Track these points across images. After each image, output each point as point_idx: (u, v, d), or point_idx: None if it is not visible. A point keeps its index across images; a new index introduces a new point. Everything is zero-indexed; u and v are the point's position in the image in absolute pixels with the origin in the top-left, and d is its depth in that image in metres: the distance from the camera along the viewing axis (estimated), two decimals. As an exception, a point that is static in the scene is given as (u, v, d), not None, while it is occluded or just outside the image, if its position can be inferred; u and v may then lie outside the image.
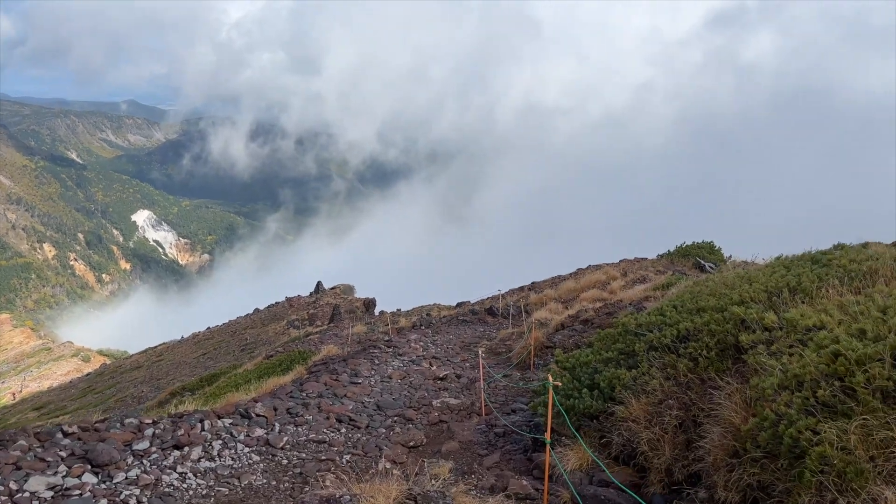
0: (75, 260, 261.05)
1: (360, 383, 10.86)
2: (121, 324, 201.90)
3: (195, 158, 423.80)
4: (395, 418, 8.94)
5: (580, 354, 7.11)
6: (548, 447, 5.36)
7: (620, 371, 6.18)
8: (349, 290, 67.45)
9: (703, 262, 25.69)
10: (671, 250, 29.01)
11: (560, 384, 6.00)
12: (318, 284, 70.75)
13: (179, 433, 6.72)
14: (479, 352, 9.60)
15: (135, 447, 6.21)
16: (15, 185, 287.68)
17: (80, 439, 6.08)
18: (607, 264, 29.13)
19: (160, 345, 72.97)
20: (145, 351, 71.81)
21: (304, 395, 9.90)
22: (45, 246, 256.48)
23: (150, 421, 6.90)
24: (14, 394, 68.26)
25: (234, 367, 26.95)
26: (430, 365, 12.97)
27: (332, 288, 69.33)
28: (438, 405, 9.50)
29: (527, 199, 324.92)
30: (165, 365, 52.89)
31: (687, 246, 28.58)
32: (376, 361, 13.22)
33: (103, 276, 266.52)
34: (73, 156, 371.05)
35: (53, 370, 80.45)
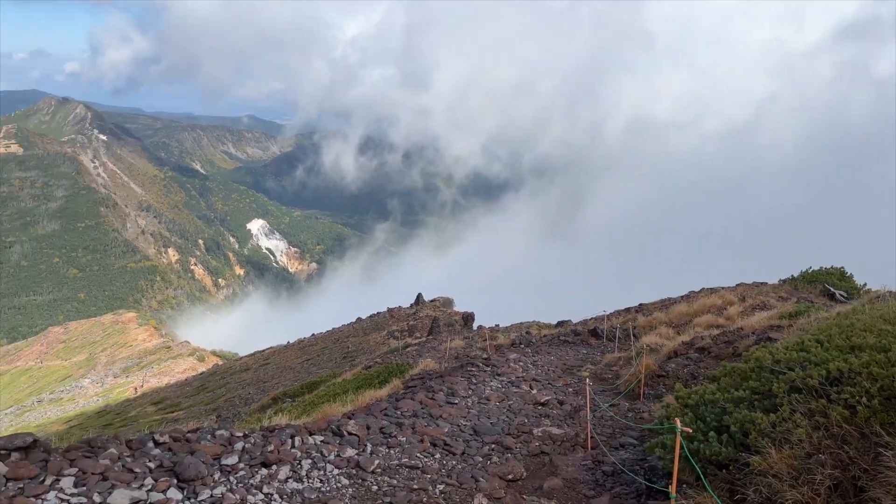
0: (195, 264, 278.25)
1: (456, 404, 10.36)
2: (233, 326, 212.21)
3: (307, 171, 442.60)
4: (493, 446, 8.36)
5: (704, 391, 6.27)
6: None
7: (756, 414, 5.33)
8: (448, 303, 67.51)
9: (832, 289, 23.45)
10: (795, 276, 26.76)
11: (691, 430, 5.22)
12: (419, 296, 71.28)
13: (269, 449, 6.45)
14: (586, 378, 8.84)
15: (223, 462, 5.98)
16: (146, 194, 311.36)
17: (170, 450, 5.92)
18: (723, 288, 27.25)
19: (267, 349, 75.79)
20: (254, 354, 74.77)
21: (399, 413, 9.51)
22: (170, 251, 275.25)
23: (241, 434, 6.68)
24: (136, 388, 72.80)
25: (334, 376, 27.28)
26: (531, 388, 12.30)
27: (432, 300, 69.63)
28: (539, 434, 8.83)
29: (634, 216, 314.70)
30: (272, 368, 54.76)
31: (814, 271, 26.25)
32: (473, 381, 12.69)
33: (219, 280, 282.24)
34: (198, 167, 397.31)
35: (172, 367, 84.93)
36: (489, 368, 14.29)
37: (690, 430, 5.22)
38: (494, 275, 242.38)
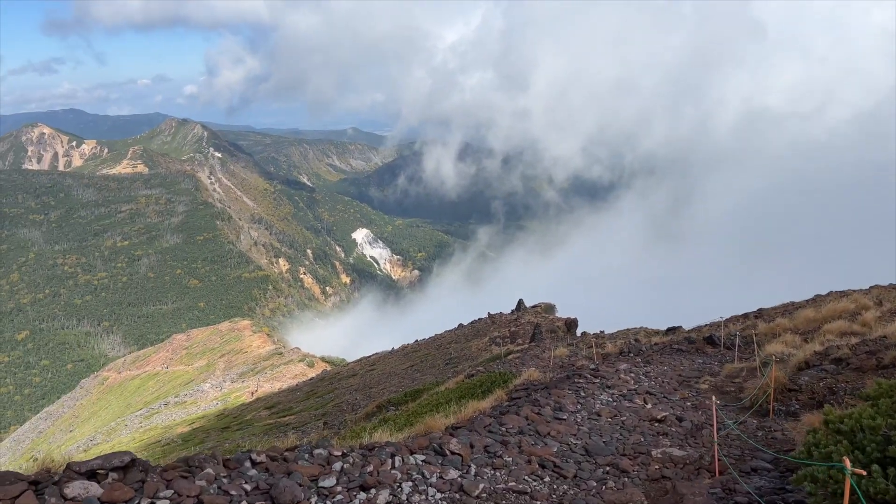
0: (304, 273, 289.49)
1: (564, 419, 9.72)
2: (341, 333, 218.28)
3: (408, 180, 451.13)
4: (607, 468, 7.67)
5: (861, 414, 5.36)
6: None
7: (933, 447, 4.43)
8: (550, 308, 66.19)
9: None
10: (941, 275, 24.03)
11: (865, 474, 4.39)
12: (520, 302, 70.37)
13: (368, 470, 6.12)
14: (708, 392, 7.97)
15: (321, 483, 5.70)
16: (257, 207, 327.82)
17: (267, 469, 5.70)
18: (854, 291, 24.90)
19: (373, 355, 77.25)
20: (360, 360, 76.47)
21: (504, 429, 8.99)
22: (281, 260, 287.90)
23: (340, 453, 6.39)
24: (252, 392, 76.22)
25: (437, 384, 27.08)
26: (645, 402, 11.43)
27: (534, 306, 68.58)
28: (659, 455, 8.05)
29: (749, 213, 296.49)
30: (377, 374, 55.66)
31: (965, 271, 23.51)
32: (582, 393, 11.96)
33: (327, 288, 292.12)
34: (305, 179, 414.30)
35: (284, 373, 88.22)
36: (598, 380, 13.50)
37: (864, 474, 4.38)
38: (599, 278, 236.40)
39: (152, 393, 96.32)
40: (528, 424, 9.26)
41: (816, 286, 27.29)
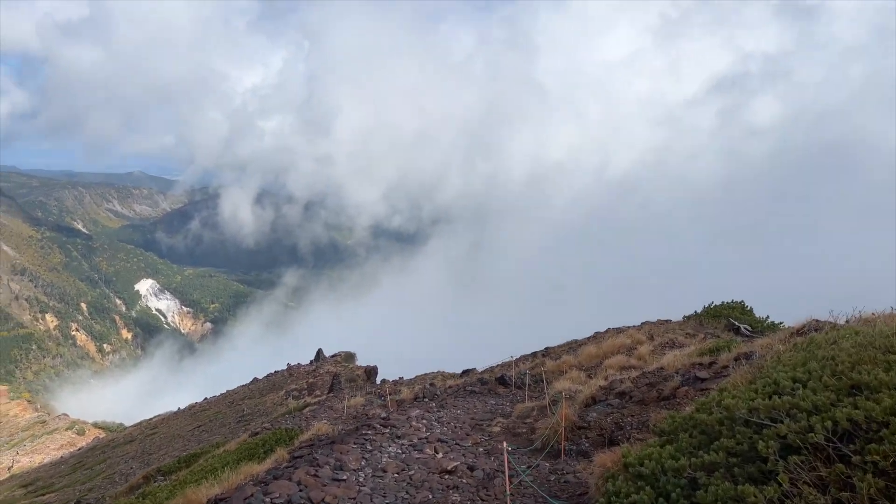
0: (77, 330, 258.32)
1: (344, 480, 8.35)
2: (120, 394, 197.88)
3: (201, 226, 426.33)
4: (387, 539, 6.45)
5: (661, 455, 4.69)
6: None
7: (744, 488, 3.78)
8: (350, 357, 64.80)
9: (736, 323, 23.21)
10: (698, 311, 26.53)
11: None
12: (319, 352, 68.13)
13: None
14: (504, 444, 7.10)
15: None
16: (20, 256, 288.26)
17: None
18: (629, 327, 26.59)
19: (155, 417, 70.27)
20: (139, 423, 69.03)
21: (269, 500, 7.41)
22: (48, 316, 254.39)
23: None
24: (9, 468, 65.81)
25: (216, 446, 24.23)
26: (436, 451, 10.44)
27: (334, 356, 66.84)
28: (447, 517, 6.99)
29: (536, 262, 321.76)
30: (159, 438, 50.30)
31: (716, 306, 26.11)
32: (368, 447, 10.69)
33: (104, 345, 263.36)
34: (80, 226, 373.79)
35: (47, 444, 78.05)
36: (388, 430, 12.34)
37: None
38: (402, 325, 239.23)
39: None
40: (300, 491, 7.77)
41: (596, 325, 28.88)
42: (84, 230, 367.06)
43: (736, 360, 11.17)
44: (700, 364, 12.37)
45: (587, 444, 9.95)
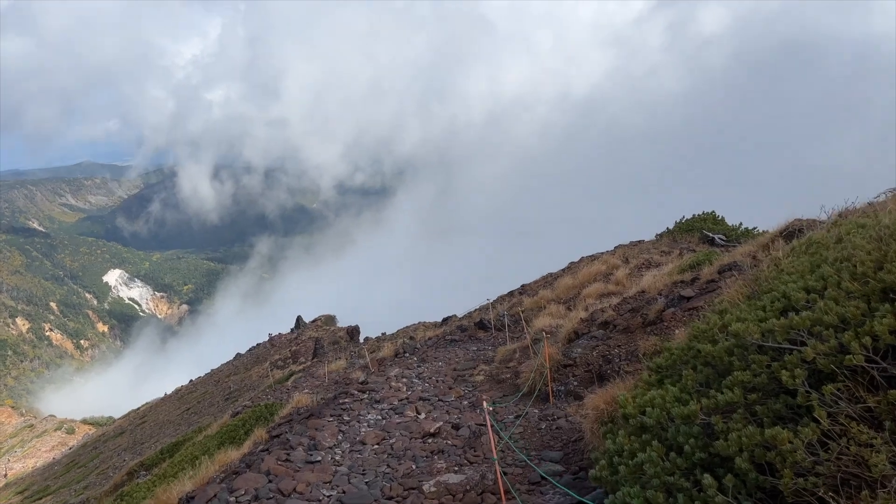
0: (51, 330, 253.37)
1: (318, 462, 7.61)
2: (105, 388, 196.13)
3: (161, 209, 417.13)
4: (367, 525, 5.73)
5: (664, 397, 3.95)
6: None
7: (774, 431, 3.05)
8: (331, 320, 64.28)
9: (710, 234, 22.79)
10: (670, 228, 26.05)
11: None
12: (298, 319, 67.49)
13: None
14: (483, 403, 6.37)
15: None
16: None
17: None
18: (602, 253, 26.07)
19: (143, 405, 69.68)
20: (128, 414, 68.42)
21: (234, 499, 6.65)
22: (18, 320, 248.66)
23: None
24: (4, 475, 65.13)
25: (199, 431, 23.50)
26: (417, 412, 9.74)
27: (314, 321, 66.32)
28: (433, 489, 6.28)
29: (505, 200, 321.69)
30: (149, 426, 49.86)
31: (688, 220, 25.60)
32: (346, 417, 9.96)
33: (81, 341, 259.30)
34: (35, 225, 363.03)
35: (38, 447, 77.57)
36: (366, 395, 11.62)
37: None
38: (379, 281, 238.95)
39: None
40: (270, 482, 7.00)
41: (569, 256, 28.33)
42: (41, 228, 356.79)
43: (720, 272, 10.56)
44: (682, 282, 11.76)
45: (575, 383, 9.32)
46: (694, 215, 25.78)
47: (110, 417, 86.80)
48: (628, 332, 10.29)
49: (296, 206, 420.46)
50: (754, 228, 22.25)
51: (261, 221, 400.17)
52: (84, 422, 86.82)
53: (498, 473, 5.82)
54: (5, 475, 67.35)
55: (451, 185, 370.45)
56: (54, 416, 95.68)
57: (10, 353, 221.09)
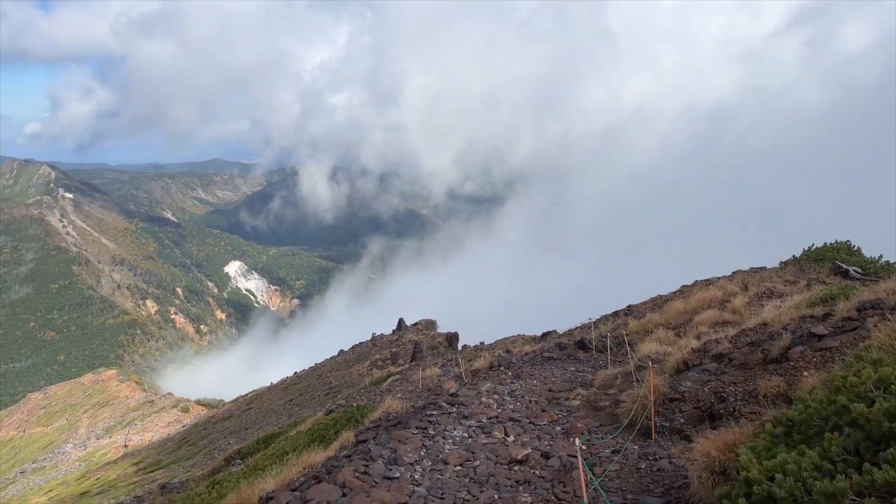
0: (175, 313, 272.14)
1: (397, 478, 7.23)
2: (219, 372, 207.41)
3: (281, 207, 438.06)
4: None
5: (802, 465, 3.21)
6: None
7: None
8: (431, 325, 64.54)
9: (844, 266, 20.66)
10: (797, 255, 23.89)
11: None
12: (400, 321, 68.27)
13: None
14: (576, 441, 5.73)
15: None
16: (118, 248, 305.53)
17: None
18: (719, 278, 24.29)
19: (250, 392, 72.60)
20: (236, 399, 71.51)
21: (306, 511, 6.38)
22: (148, 302, 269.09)
23: None
24: (125, 445, 69.70)
25: (294, 425, 23.99)
26: (506, 434, 9.18)
27: (415, 324, 66.82)
28: (513, 527, 5.72)
29: (618, 216, 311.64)
30: (254, 413, 51.82)
31: (818, 249, 23.34)
32: (431, 431, 9.56)
33: (201, 326, 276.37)
34: (169, 215, 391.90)
35: (155, 422, 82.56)
36: (455, 408, 11.18)
37: None
38: (482, 290, 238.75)
39: (7, 461, 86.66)
40: (343, 495, 6.69)
41: (683, 278, 26.65)
42: (173, 219, 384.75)
43: (858, 310, 9.29)
44: (812, 317, 10.50)
45: (682, 420, 8.44)
46: (825, 244, 23.52)
47: (221, 400, 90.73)
48: (746, 369, 9.25)
49: (407, 211, 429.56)
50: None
51: (373, 223, 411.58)
52: (198, 402, 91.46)
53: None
54: (125, 445, 71.84)
55: (563, 198, 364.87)
56: (172, 395, 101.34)
57: (139, 332, 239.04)
